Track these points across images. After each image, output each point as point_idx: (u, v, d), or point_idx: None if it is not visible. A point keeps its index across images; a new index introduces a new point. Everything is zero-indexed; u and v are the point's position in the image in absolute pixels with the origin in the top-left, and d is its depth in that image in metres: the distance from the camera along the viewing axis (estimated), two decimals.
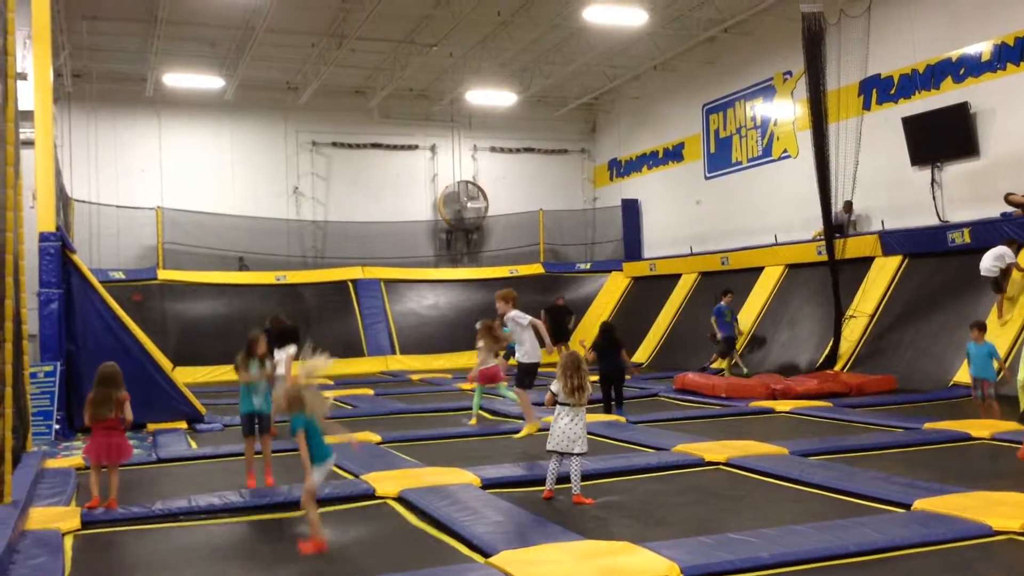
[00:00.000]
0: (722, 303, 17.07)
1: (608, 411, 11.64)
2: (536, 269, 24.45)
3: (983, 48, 15.12)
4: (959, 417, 10.25)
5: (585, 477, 7.40)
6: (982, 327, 10.38)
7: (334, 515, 6.73)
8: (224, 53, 20.45)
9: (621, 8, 17.21)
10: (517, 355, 9.15)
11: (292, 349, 11.29)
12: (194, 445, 10.39)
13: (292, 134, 24.61)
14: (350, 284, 22.64)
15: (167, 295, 21.04)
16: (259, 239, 23.45)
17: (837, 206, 15.48)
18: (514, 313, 8.90)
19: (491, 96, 23.34)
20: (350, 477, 7.95)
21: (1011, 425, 9.41)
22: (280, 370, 11.01)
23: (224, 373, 18.77)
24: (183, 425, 11.69)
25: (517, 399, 9.34)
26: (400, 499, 7.03)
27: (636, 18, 17.58)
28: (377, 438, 10.03)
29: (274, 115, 24.27)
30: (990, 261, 13.34)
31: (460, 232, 25.87)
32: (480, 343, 11.82)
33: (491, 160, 26.54)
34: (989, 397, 10.03)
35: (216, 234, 22.86)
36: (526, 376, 9.24)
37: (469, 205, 25.76)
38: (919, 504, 6.19)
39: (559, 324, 20.05)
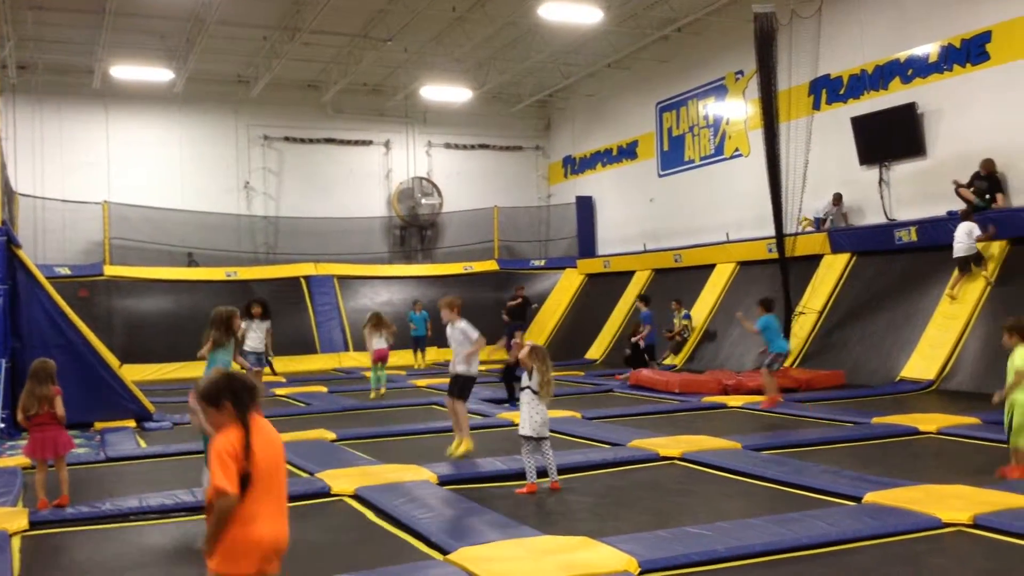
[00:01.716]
0: (645, 309, 17.11)
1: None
2: (490, 266, 24.45)
3: (930, 49, 15.43)
4: (906, 411, 10.45)
5: (543, 473, 7.42)
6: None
7: (291, 512, 6.66)
8: (174, 45, 20.11)
9: (576, 6, 17.26)
10: (457, 366, 8.68)
11: (267, 324, 13.00)
12: (143, 444, 10.21)
13: (243, 128, 24.29)
14: (303, 280, 22.43)
15: (114, 291, 20.65)
16: (209, 235, 23.10)
17: (788, 204, 15.67)
18: (463, 325, 8.61)
19: (446, 92, 23.28)
20: (304, 475, 7.87)
21: (957, 420, 9.62)
22: (255, 342, 12.74)
23: (173, 371, 18.49)
24: (131, 424, 11.48)
25: (452, 413, 8.84)
26: (356, 496, 6.98)
27: (591, 16, 17.65)
28: (331, 435, 9.95)
29: (225, 109, 23.92)
30: (965, 239, 13.46)
31: (414, 228, 25.76)
32: (366, 329, 14.76)
33: (446, 156, 26.46)
34: None
35: (164, 229, 22.48)
36: (464, 389, 8.75)
37: (423, 201, 25.65)
38: (869, 497, 6.30)
39: (519, 315, 20.18)
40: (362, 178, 25.44)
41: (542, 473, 7.37)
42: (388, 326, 14.94)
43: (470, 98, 23.61)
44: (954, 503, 5.95)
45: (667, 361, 18.09)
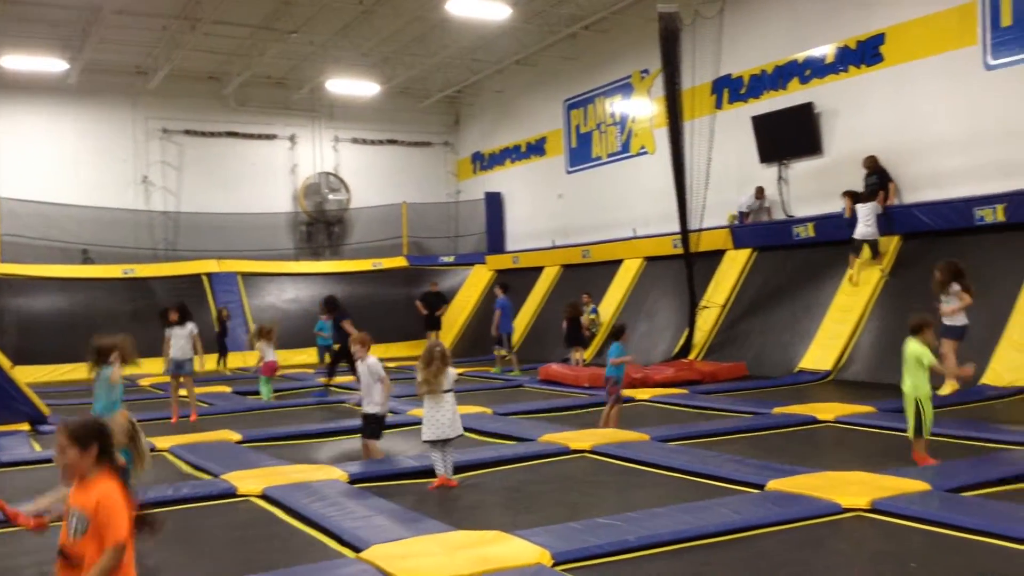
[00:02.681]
0: (502, 296, 17.26)
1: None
2: (400, 262, 24.28)
3: (827, 51, 15.95)
4: (805, 401, 10.80)
5: (455, 469, 7.40)
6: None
7: (194, 513, 6.51)
8: (68, 35, 19.31)
9: (484, 2, 17.26)
10: (364, 406, 8.35)
11: (189, 327, 12.02)
12: (37, 448, 9.79)
13: (141, 121, 23.50)
14: (204, 278, 21.87)
15: (5, 290, 19.78)
16: (105, 231, 22.29)
17: (692, 200, 15.98)
18: (372, 361, 8.42)
19: (353, 86, 22.97)
20: (208, 477, 7.68)
21: (853, 408, 9.98)
22: (178, 351, 11.82)
23: (68, 372, 17.81)
24: (25, 427, 11.02)
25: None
26: (264, 497, 6.84)
27: (499, 12, 17.68)
28: (237, 436, 9.73)
29: (122, 101, 23.09)
30: (869, 223, 13.97)
31: (321, 224, 25.38)
32: (259, 343, 14.57)
33: (353, 151, 26.13)
34: None
35: (58, 225, 21.60)
36: (375, 427, 8.37)
37: (330, 197, 25.30)
38: (772, 484, 6.48)
39: (432, 311, 20.08)
40: (267, 173, 24.92)
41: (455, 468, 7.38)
42: (274, 335, 14.86)
43: (378, 93, 23.37)
44: (852, 489, 6.17)
45: (575, 356, 18.23)
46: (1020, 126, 13.03)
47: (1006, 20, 13.19)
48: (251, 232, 23.84)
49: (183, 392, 12.00)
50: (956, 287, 10.18)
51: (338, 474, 7.38)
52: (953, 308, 9.87)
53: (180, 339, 11.87)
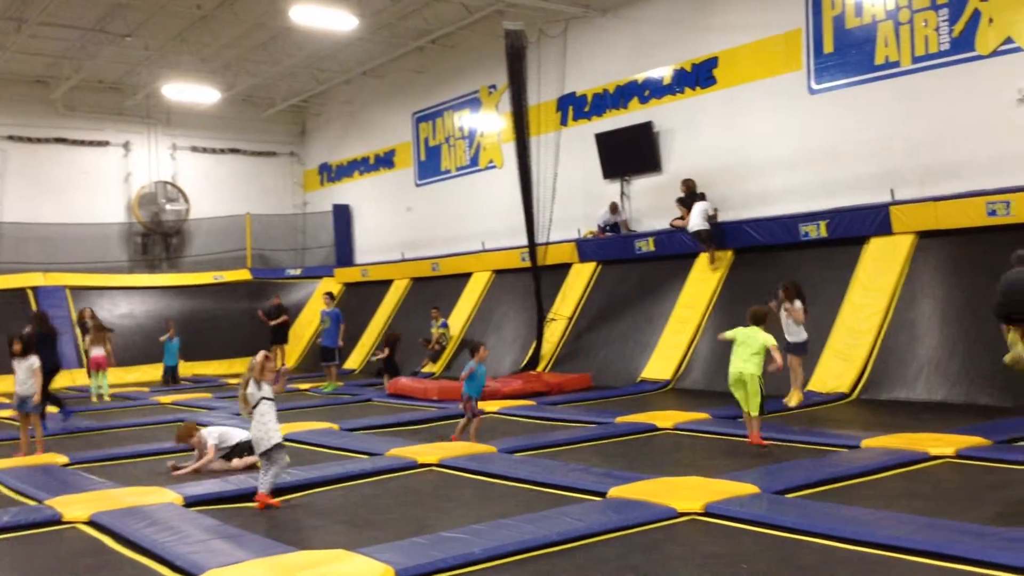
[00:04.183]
0: (332, 308, 17.20)
1: None
2: (243, 275, 23.57)
3: (665, 72, 16.60)
4: (646, 410, 11.16)
5: (298, 487, 7.24)
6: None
7: (13, 544, 6.08)
8: None
9: (329, 10, 17.01)
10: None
11: (29, 361, 10.08)
12: None
13: None
14: (29, 292, 20.58)
15: None
16: None
17: (539, 214, 16.26)
18: (219, 432, 8.67)
19: (192, 92, 22.11)
20: (31, 503, 7.20)
21: (690, 416, 10.38)
22: (21, 387, 10.00)
23: None
24: None
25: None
26: (92, 523, 6.47)
27: (345, 22, 17.45)
28: (63, 459, 9.17)
29: None
30: (699, 217, 14.68)
31: (158, 236, 24.32)
32: (88, 338, 15.53)
33: (193, 160, 25.19)
34: None
35: None
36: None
37: (168, 207, 24.29)
38: (613, 492, 6.65)
39: (277, 326, 19.52)
40: (98, 181, 23.65)
41: (292, 487, 7.19)
42: (107, 331, 15.58)
43: (219, 100, 22.63)
44: (688, 493, 6.40)
45: (426, 369, 18.23)
46: (842, 147, 13.94)
47: (828, 47, 14.11)
48: (81, 244, 22.60)
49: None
50: (798, 304, 10.84)
51: (173, 497, 7.06)
52: (797, 315, 10.60)
53: (21, 372, 10.14)
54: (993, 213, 11.76)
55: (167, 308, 21.49)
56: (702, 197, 15.13)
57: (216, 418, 11.71)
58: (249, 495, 7.16)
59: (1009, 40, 12.03)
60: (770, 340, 8.63)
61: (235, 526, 6.19)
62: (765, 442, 8.56)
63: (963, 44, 12.50)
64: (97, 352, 15.25)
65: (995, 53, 12.18)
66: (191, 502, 7.02)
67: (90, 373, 15.37)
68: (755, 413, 8.64)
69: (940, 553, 4.93)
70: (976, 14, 12.33)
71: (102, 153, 23.89)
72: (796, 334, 11.03)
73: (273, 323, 19.58)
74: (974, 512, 5.95)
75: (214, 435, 8.85)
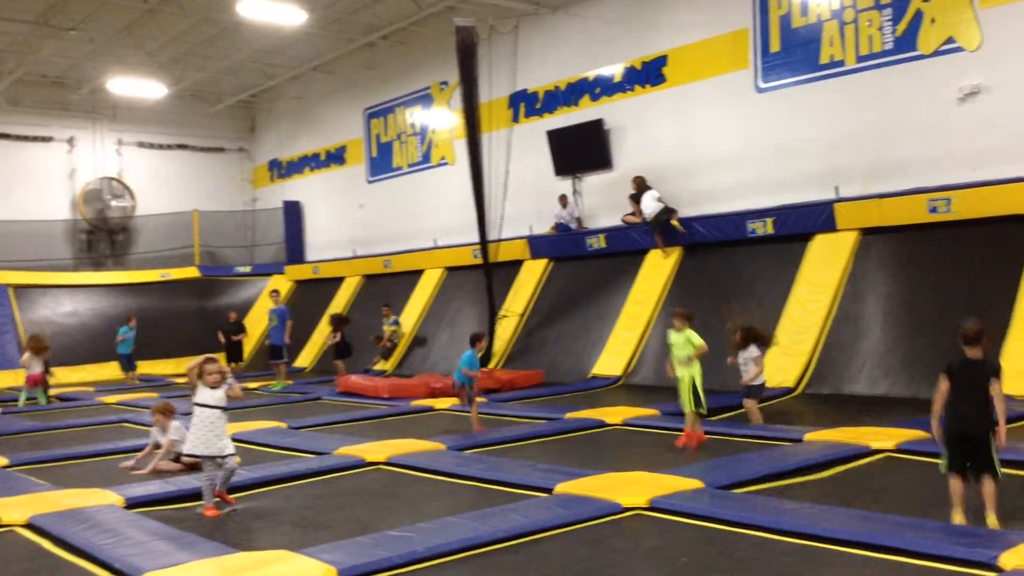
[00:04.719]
0: (279, 305, 17.07)
1: None
2: (191, 273, 23.24)
3: (615, 70, 16.68)
4: (596, 406, 11.22)
5: (244, 487, 7.16)
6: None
7: None
8: None
9: (278, 5, 16.81)
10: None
11: None
12: None
13: None
14: None
15: None
16: None
17: (491, 211, 16.25)
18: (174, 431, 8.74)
19: (138, 87, 21.74)
20: None
21: (639, 411, 10.45)
22: None
23: None
24: None
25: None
26: (30, 526, 6.34)
27: (294, 17, 17.26)
28: (3, 460, 8.97)
29: None
30: (652, 203, 14.83)
31: (104, 233, 23.90)
32: (25, 355, 15.10)
33: (139, 156, 24.77)
34: None
35: None
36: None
37: (113, 204, 23.87)
38: (560, 488, 6.68)
39: (233, 342, 18.96)
40: (42, 177, 23.16)
41: (237, 487, 7.11)
42: (47, 348, 15.31)
43: (166, 95, 22.27)
44: (633, 488, 6.45)
45: (377, 367, 18.14)
46: (788, 145, 14.14)
47: (775, 46, 14.30)
48: (23, 241, 22.12)
49: None
50: (755, 352, 9.82)
51: (114, 499, 6.95)
52: (751, 375, 9.83)
53: None
54: (935, 210, 12.01)
55: (113, 306, 21.12)
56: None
57: None
58: (192, 496, 7.07)
59: (951, 40, 12.30)
60: (698, 340, 8.83)
61: (177, 528, 6.10)
62: (702, 437, 8.80)
63: (906, 44, 12.75)
64: (35, 370, 14.98)
65: (937, 53, 12.45)
66: (132, 504, 6.91)
67: (25, 388, 14.96)
68: (699, 411, 8.84)
69: (876, 544, 5.02)
70: (919, 14, 12.58)
71: (46, 149, 23.40)
72: (755, 377, 9.85)
73: (235, 339, 19.09)
74: (912, 505, 6.07)
75: (178, 433, 8.60)
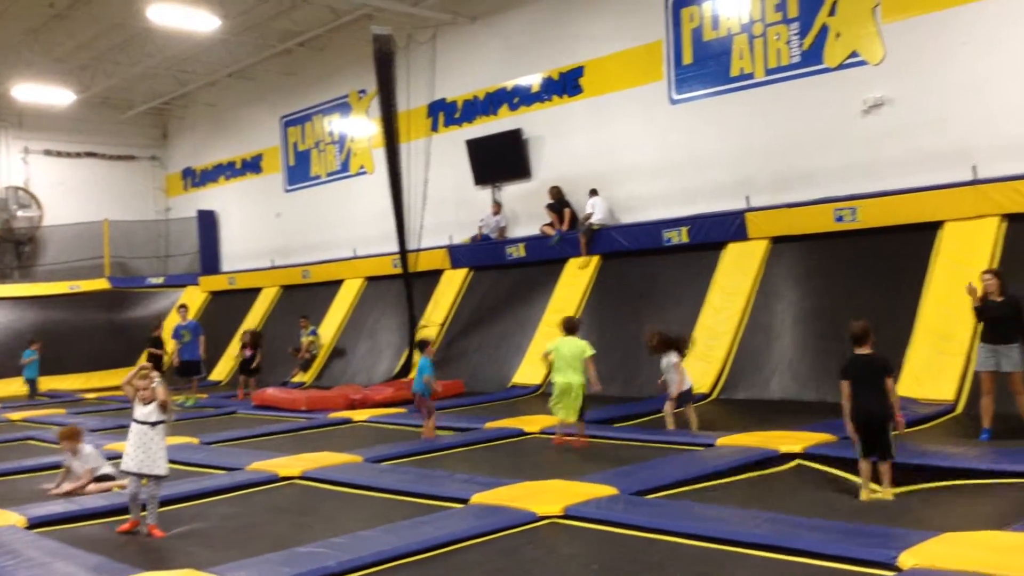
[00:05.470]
0: (189, 320, 16.78)
1: None
2: (101, 284, 22.57)
3: (533, 80, 16.80)
4: (515, 415, 11.26)
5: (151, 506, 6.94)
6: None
7: None
8: None
9: (190, 11, 16.48)
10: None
11: None
12: None
13: None
14: None
15: None
16: None
17: (410, 221, 16.17)
18: (89, 450, 8.40)
19: (45, 93, 21.07)
20: None
21: (555, 420, 10.48)
22: None
23: None
24: None
25: None
26: None
27: (207, 23, 16.94)
28: None
29: None
30: (601, 208, 15.09)
31: (9, 244, 23.08)
32: None
33: (46, 164, 23.99)
34: None
35: None
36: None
37: (19, 214, 23.06)
38: (476, 498, 6.67)
39: (157, 356, 18.35)
40: None
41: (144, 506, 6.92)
42: None
43: (74, 102, 21.63)
44: (548, 497, 6.48)
45: (296, 379, 17.88)
46: (701, 156, 14.42)
47: (687, 59, 14.58)
48: None
49: None
50: (674, 358, 9.75)
51: (15, 519, 6.69)
52: (676, 385, 9.65)
53: None
54: (840, 219, 12.38)
55: (20, 320, 20.40)
56: (564, 205, 15.36)
57: None
58: (97, 514, 6.86)
59: (855, 54, 12.72)
60: (588, 349, 9.46)
61: (81, 548, 5.91)
62: (584, 440, 9.30)
63: (812, 57, 13.15)
64: None
65: (842, 66, 12.85)
66: (35, 523, 6.67)
67: None
68: (573, 419, 9.36)
69: (780, 547, 5.15)
70: (824, 29, 12.98)
71: None
72: (681, 384, 9.82)
73: (157, 352, 18.43)
74: (817, 507, 6.24)
75: (93, 458, 8.35)
